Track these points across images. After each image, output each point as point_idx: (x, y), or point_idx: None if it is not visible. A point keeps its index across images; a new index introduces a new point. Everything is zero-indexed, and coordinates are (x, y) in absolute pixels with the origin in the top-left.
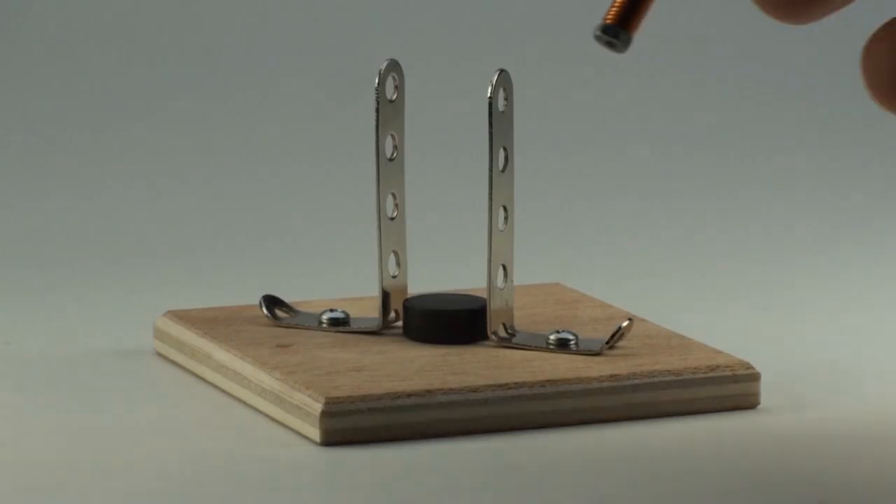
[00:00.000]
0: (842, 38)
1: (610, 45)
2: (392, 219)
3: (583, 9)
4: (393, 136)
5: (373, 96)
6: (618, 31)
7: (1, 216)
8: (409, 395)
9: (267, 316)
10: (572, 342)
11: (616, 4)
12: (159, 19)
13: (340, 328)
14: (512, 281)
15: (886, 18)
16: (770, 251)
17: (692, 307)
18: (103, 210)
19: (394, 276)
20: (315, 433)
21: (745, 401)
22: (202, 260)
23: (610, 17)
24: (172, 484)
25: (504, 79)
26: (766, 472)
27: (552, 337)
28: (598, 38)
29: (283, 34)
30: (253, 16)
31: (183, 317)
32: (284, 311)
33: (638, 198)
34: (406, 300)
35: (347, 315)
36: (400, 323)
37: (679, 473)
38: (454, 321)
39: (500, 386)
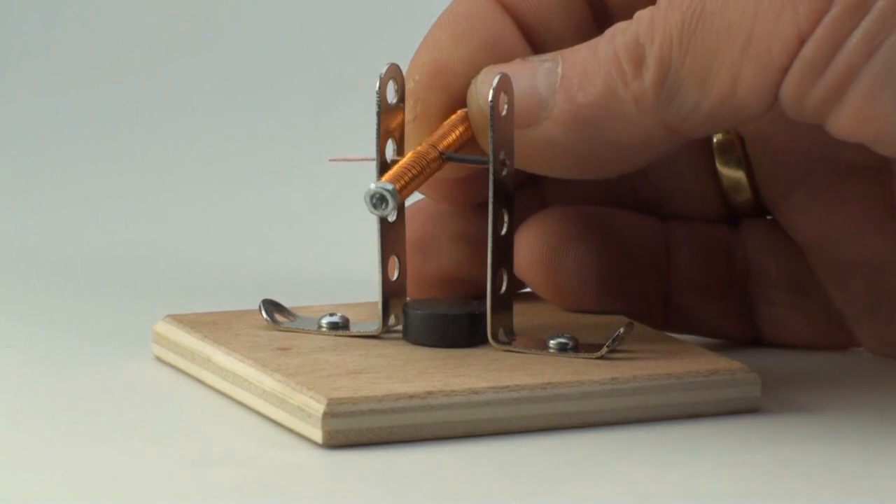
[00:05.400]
0: None
1: (382, 202)
2: (392, 223)
3: None
4: (393, 140)
5: (374, 100)
6: (385, 187)
7: (0, 222)
8: (411, 396)
9: (267, 320)
10: (572, 346)
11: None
12: (156, 24)
13: (340, 332)
14: (512, 285)
15: None
16: None
17: None
18: (102, 214)
19: (394, 281)
20: (317, 434)
21: (745, 404)
22: (201, 264)
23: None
24: (173, 487)
25: (505, 82)
26: (766, 475)
27: (552, 341)
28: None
29: (283, 38)
30: (253, 21)
31: (182, 321)
32: (284, 316)
33: None
34: (406, 304)
35: (347, 320)
36: (400, 327)
37: (679, 476)
38: (454, 325)
39: (502, 388)
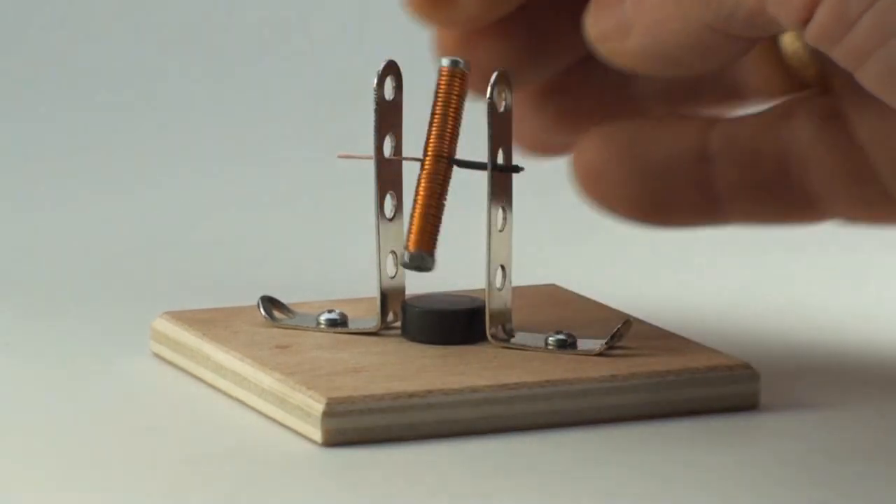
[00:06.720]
0: None
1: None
2: (390, 219)
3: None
4: (392, 137)
5: (371, 97)
6: (423, 257)
7: None
8: (410, 395)
9: (265, 317)
10: (571, 343)
11: (414, 232)
12: (152, 20)
13: (338, 329)
14: (510, 282)
15: None
16: (769, 251)
17: (691, 307)
18: (99, 211)
19: (392, 277)
20: (316, 433)
21: (744, 401)
22: (199, 260)
23: (412, 244)
24: (173, 486)
25: (503, 79)
26: (765, 472)
27: (551, 338)
28: (406, 265)
29: (281, 34)
30: (250, 16)
31: (180, 318)
32: (282, 313)
33: None
34: (404, 301)
35: (345, 316)
36: (398, 324)
37: (678, 474)
38: (453, 322)
39: (500, 386)
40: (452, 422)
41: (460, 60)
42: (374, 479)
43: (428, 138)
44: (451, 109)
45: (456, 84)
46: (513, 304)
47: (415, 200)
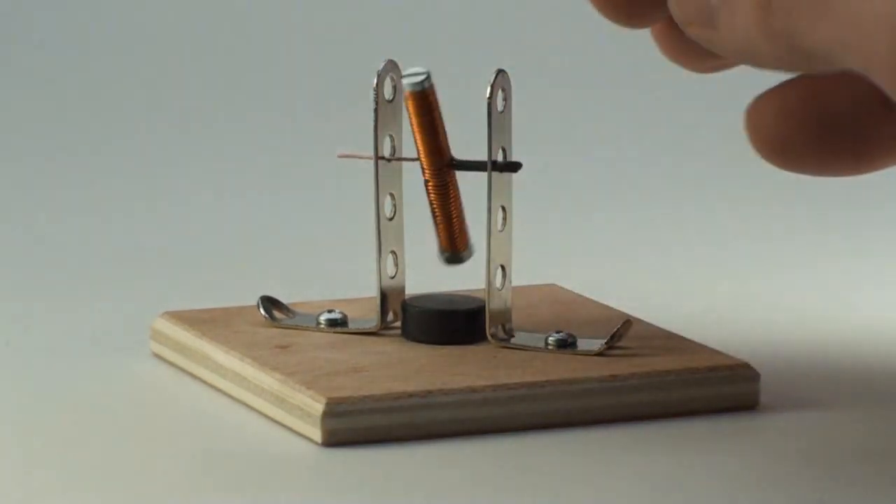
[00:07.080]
0: None
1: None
2: (390, 219)
3: (583, 7)
4: (391, 137)
5: (371, 97)
6: (459, 254)
7: None
8: (410, 395)
9: (265, 317)
10: (571, 343)
11: (441, 232)
12: (156, 21)
13: (338, 329)
14: (510, 282)
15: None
16: (769, 250)
17: (691, 307)
18: (99, 210)
19: (392, 277)
20: (316, 434)
21: (744, 400)
22: (198, 260)
23: (443, 244)
24: (172, 485)
25: (503, 79)
26: (765, 472)
27: (551, 338)
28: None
29: (282, 34)
30: (251, 16)
31: (180, 318)
32: (282, 313)
33: (635, 198)
34: (404, 301)
35: (345, 316)
36: (398, 323)
37: (678, 473)
38: (453, 322)
39: (500, 386)
40: (452, 422)
41: (421, 76)
42: (374, 479)
43: (422, 157)
44: (433, 125)
45: (428, 100)
46: (513, 304)
47: (434, 211)
